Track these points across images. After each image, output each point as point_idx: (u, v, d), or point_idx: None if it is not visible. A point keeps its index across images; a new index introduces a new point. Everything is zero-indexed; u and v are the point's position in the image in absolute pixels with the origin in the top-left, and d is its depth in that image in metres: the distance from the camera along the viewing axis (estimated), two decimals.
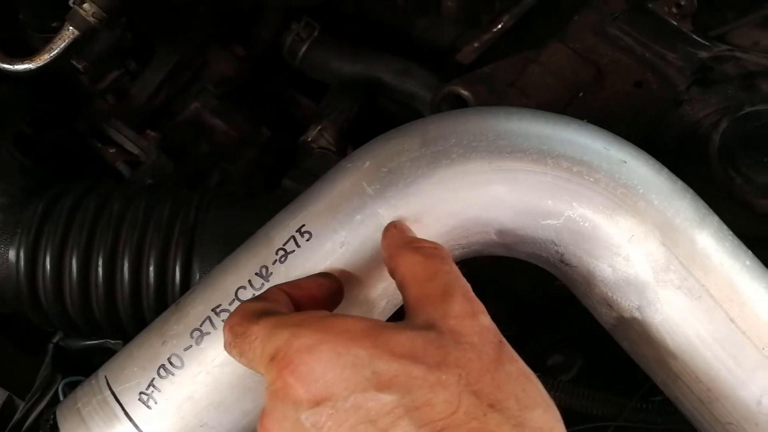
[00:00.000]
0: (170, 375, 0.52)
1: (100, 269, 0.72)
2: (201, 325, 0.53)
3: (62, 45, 0.81)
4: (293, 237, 0.54)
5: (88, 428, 0.53)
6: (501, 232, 0.58)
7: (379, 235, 0.54)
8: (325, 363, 0.41)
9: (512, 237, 0.58)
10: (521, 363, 0.45)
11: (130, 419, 0.52)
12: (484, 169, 0.56)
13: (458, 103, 0.90)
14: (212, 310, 0.53)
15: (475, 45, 1.15)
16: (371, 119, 1.09)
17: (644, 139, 0.85)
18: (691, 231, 0.56)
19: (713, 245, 0.57)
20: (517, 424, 0.41)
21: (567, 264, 0.59)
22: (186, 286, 0.71)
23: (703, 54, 0.91)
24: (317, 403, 0.41)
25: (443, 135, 0.58)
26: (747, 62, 0.90)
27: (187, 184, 0.93)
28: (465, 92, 0.91)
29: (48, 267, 0.73)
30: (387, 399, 0.40)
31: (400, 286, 0.49)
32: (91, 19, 0.80)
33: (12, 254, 0.73)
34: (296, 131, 1.00)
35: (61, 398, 0.78)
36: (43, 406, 0.77)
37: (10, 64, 0.80)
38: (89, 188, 0.77)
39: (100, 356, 0.81)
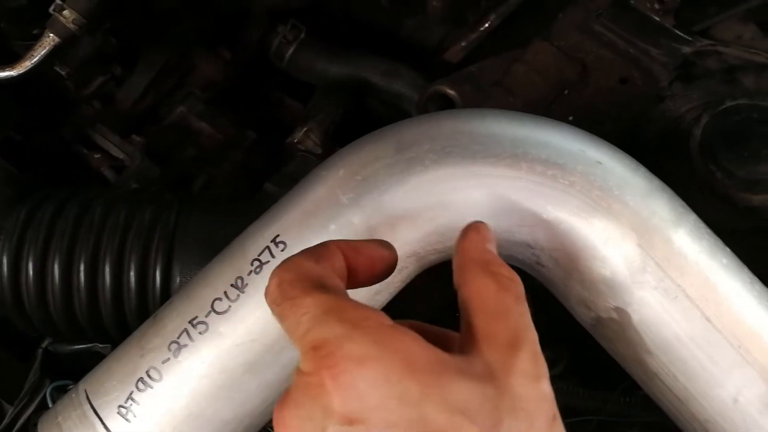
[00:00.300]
0: (149, 388, 0.52)
1: (81, 274, 0.72)
2: (178, 338, 0.53)
3: (43, 52, 0.81)
4: (268, 247, 0.55)
5: None
6: None
7: None
8: (372, 383, 0.37)
9: None
10: None
11: None
12: (458, 174, 0.56)
13: (445, 103, 0.91)
14: (189, 322, 0.53)
15: (463, 44, 1.15)
16: (359, 120, 1.09)
17: (627, 134, 0.86)
18: (667, 231, 0.57)
19: (689, 244, 0.57)
20: None
21: (543, 266, 0.59)
22: (166, 290, 0.71)
23: (686, 49, 0.91)
24: (350, 421, 0.37)
25: (417, 140, 0.58)
26: (729, 56, 0.90)
27: (173, 188, 0.93)
28: (451, 92, 0.91)
29: (31, 273, 0.73)
30: None
31: (464, 306, 0.45)
32: (71, 26, 0.80)
33: None
34: (284, 134, 1.01)
35: (50, 403, 0.79)
36: (31, 411, 0.78)
37: None
38: (71, 194, 0.78)
39: (88, 360, 0.81)
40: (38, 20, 0.82)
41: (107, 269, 0.71)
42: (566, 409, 0.78)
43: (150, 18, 1.00)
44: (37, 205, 0.76)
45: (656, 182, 0.59)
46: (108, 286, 0.71)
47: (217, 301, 0.54)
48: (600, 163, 0.58)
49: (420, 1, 1.09)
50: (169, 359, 0.53)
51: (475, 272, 0.45)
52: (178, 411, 0.52)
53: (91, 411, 0.52)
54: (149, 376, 0.52)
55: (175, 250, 0.71)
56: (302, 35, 1.13)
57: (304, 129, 0.99)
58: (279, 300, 0.42)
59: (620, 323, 0.57)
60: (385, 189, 0.56)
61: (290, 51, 1.14)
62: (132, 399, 0.52)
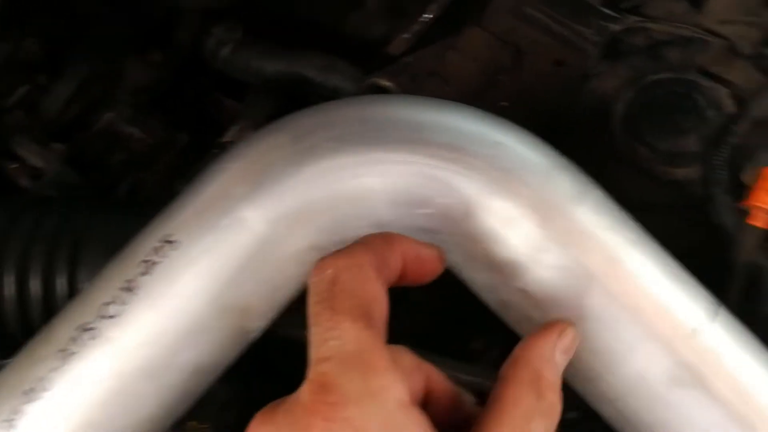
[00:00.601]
0: (38, 399, 0.51)
1: None
2: (67, 345, 0.52)
3: None
4: (159, 247, 0.53)
5: None
6: (377, 225, 0.57)
7: (249, 240, 0.53)
8: None
9: (389, 228, 0.57)
10: None
11: None
12: (354, 162, 0.55)
13: None
14: (78, 329, 0.52)
15: (405, 36, 1.14)
16: None
17: (557, 116, 0.85)
18: (569, 208, 0.56)
19: (592, 221, 0.56)
20: None
21: (447, 251, 0.58)
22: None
23: (615, 27, 0.90)
24: None
25: (314, 129, 0.57)
26: (655, 32, 0.90)
27: (101, 194, 0.92)
28: (387, 84, 0.91)
29: None
30: None
31: (495, 397, 0.43)
32: None
33: None
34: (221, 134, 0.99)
35: None
36: None
37: None
38: None
39: None
40: None
41: (12, 279, 0.69)
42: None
43: (74, 23, 0.99)
44: None
45: (559, 160, 0.58)
46: (13, 297, 0.70)
47: (106, 306, 0.52)
48: (500, 143, 0.57)
49: None
50: (57, 368, 0.51)
51: (524, 378, 0.44)
52: (69, 420, 0.51)
53: None
54: (38, 386, 0.51)
55: (80, 256, 0.70)
56: (238, 35, 1.12)
57: (238, 127, 0.98)
58: (323, 299, 0.40)
59: (524, 305, 0.57)
60: (281, 180, 0.54)
61: (225, 51, 1.13)
62: (19, 411, 0.50)
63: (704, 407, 0.54)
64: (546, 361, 0.45)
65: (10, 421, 0.50)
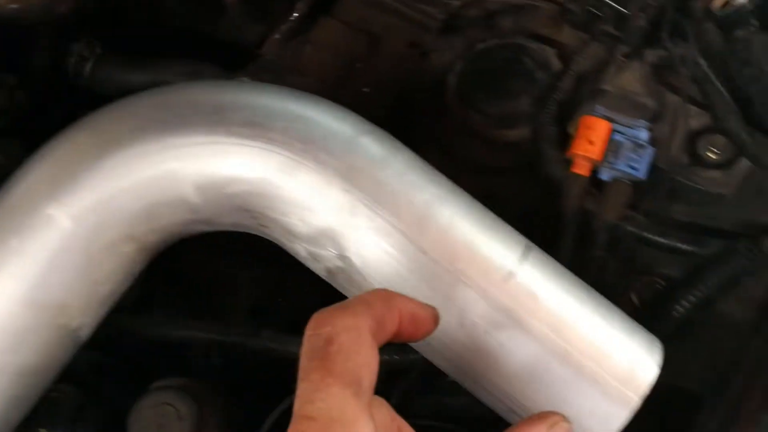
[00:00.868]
0: None
1: None
2: None
3: None
4: None
5: None
6: (192, 209, 0.58)
7: (56, 237, 0.54)
8: None
9: (205, 211, 0.58)
10: None
11: None
12: (156, 149, 0.56)
13: None
14: None
15: (276, 37, 1.14)
16: None
17: (400, 95, 0.87)
18: (374, 171, 0.57)
19: (400, 181, 0.57)
20: None
21: (266, 227, 0.59)
22: None
23: (455, 3, 0.92)
24: None
25: (112, 122, 0.57)
26: (490, 3, 0.92)
27: None
28: None
29: None
30: None
31: None
32: None
33: None
34: None
35: None
36: None
37: None
38: None
39: None
40: None
41: None
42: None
43: None
44: None
45: (365, 126, 0.60)
46: None
47: None
48: (301, 116, 0.58)
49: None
50: None
51: None
52: None
53: None
54: None
55: None
56: (98, 50, 1.11)
57: None
58: (316, 357, 0.39)
59: (347, 270, 0.58)
60: (81, 175, 0.55)
61: (88, 67, 1.11)
62: None
63: (523, 346, 0.56)
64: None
65: None
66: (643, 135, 0.71)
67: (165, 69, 1.09)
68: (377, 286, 0.57)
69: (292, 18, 1.14)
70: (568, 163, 0.73)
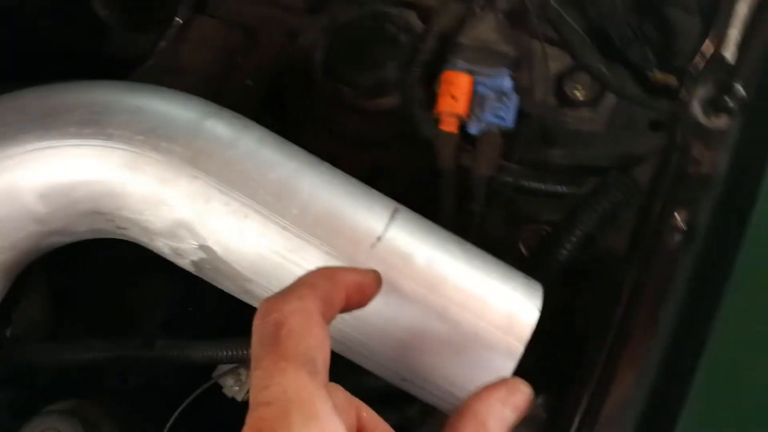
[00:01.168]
0: None
1: None
2: None
3: None
4: None
5: None
6: (39, 221, 0.55)
7: None
8: None
9: (55, 221, 0.55)
10: None
11: None
12: None
13: None
14: None
15: (163, 44, 1.11)
16: None
17: (272, 82, 0.85)
18: (224, 153, 0.55)
19: (250, 161, 0.56)
20: None
21: (124, 228, 0.57)
22: None
23: None
24: None
25: None
26: None
27: None
28: None
29: None
30: None
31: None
32: None
33: None
34: None
35: None
36: None
37: None
38: None
39: None
40: None
41: None
42: None
43: None
44: None
45: (210, 109, 0.58)
46: None
47: None
48: (139, 108, 0.56)
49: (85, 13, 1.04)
50: None
51: (468, 428, 0.43)
52: None
53: None
54: None
55: None
56: None
57: None
58: (267, 343, 0.39)
59: (211, 260, 0.56)
60: None
61: None
62: None
63: (401, 309, 0.55)
64: (492, 413, 0.44)
65: None
66: (507, 83, 0.71)
67: None
68: (245, 271, 0.56)
69: (175, 23, 1.12)
70: (437, 121, 0.72)
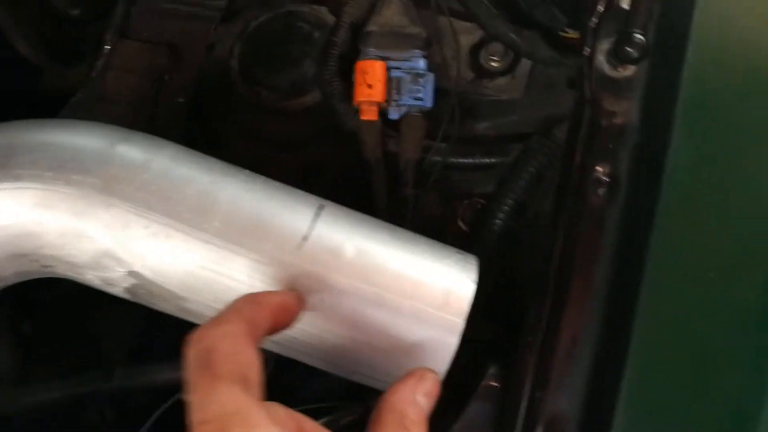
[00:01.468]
0: None
1: None
2: None
3: None
4: None
5: None
6: None
7: None
8: None
9: None
10: None
11: None
12: None
13: None
14: None
15: (93, 75, 1.10)
16: None
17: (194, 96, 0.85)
18: (137, 177, 0.55)
19: (165, 180, 0.55)
20: None
21: (49, 266, 0.56)
22: None
23: None
24: None
25: None
26: None
27: None
28: None
29: None
30: None
31: None
32: None
33: None
34: None
35: None
36: None
37: None
38: None
39: None
40: None
41: None
42: None
43: None
44: None
45: (120, 134, 0.57)
46: None
47: None
48: (46, 143, 0.55)
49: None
50: None
51: (388, 420, 0.46)
52: None
53: None
54: None
55: None
56: None
57: None
58: (200, 367, 0.41)
59: (142, 285, 0.56)
60: None
61: None
62: None
63: (338, 304, 0.55)
64: (408, 403, 0.47)
65: None
66: (421, 64, 0.71)
67: None
68: (177, 290, 0.55)
69: (105, 51, 1.11)
70: (359, 112, 0.72)
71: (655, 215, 0.55)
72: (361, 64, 0.70)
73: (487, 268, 0.66)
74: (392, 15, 0.72)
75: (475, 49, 0.75)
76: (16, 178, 0.53)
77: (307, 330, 0.56)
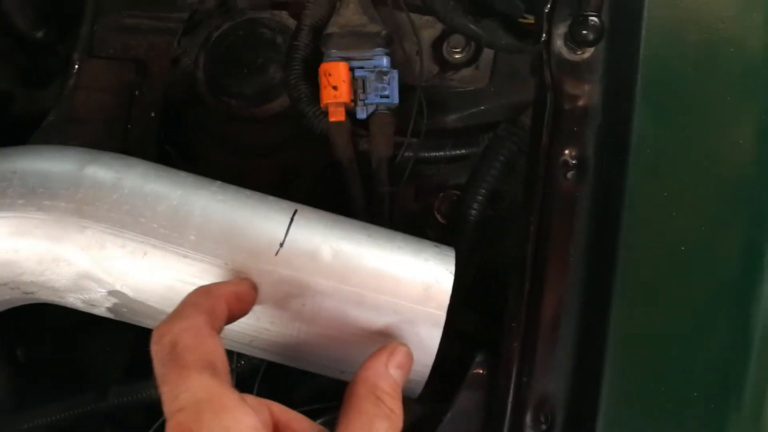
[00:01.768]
0: None
1: None
2: None
3: None
4: None
5: None
6: None
7: None
8: None
9: None
10: None
11: None
12: None
13: None
14: None
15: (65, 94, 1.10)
16: None
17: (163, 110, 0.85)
18: (108, 197, 0.55)
19: (137, 199, 0.56)
20: None
21: (31, 293, 0.56)
22: None
23: (191, 1, 0.90)
24: None
25: None
26: None
27: None
28: None
29: None
30: None
31: (342, 413, 0.46)
32: None
33: None
34: None
35: None
36: None
37: None
38: None
39: None
40: None
41: None
42: None
43: None
44: None
45: (89, 156, 0.57)
46: None
47: None
48: (14, 172, 0.55)
49: None
50: None
51: (362, 392, 0.47)
52: None
53: None
54: None
55: None
56: None
57: None
58: (167, 360, 0.43)
59: (124, 303, 0.56)
60: None
61: None
62: None
63: (320, 306, 0.55)
64: (380, 375, 0.48)
65: None
66: (384, 62, 0.71)
67: None
68: (158, 306, 0.56)
69: (74, 71, 1.11)
70: (325, 114, 0.72)
71: (624, 193, 0.55)
72: (325, 66, 0.70)
73: (467, 258, 0.67)
74: (351, 15, 0.72)
75: (437, 42, 0.75)
76: None
77: (292, 334, 0.56)
